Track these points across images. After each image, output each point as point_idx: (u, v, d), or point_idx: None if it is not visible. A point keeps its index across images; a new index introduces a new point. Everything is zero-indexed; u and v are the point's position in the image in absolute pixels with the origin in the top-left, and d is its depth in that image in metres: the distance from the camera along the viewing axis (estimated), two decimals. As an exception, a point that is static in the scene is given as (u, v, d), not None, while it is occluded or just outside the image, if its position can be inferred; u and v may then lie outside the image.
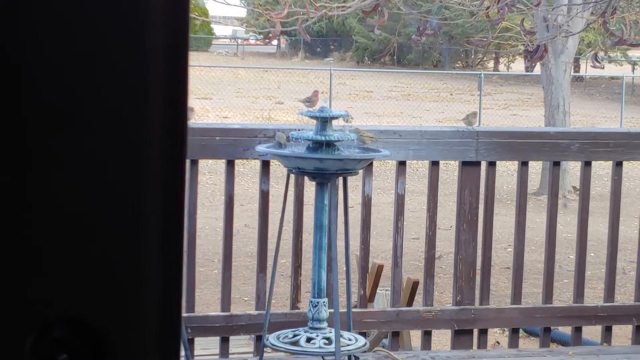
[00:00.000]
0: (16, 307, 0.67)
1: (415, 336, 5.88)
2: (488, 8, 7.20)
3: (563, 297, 7.81)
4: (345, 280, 4.57)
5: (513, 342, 5.02)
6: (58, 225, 0.68)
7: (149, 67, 0.69)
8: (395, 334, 4.98)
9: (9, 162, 0.67)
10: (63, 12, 0.67)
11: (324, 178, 4.27)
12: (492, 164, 4.93)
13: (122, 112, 0.68)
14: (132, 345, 0.71)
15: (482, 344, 4.97)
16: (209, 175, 14.30)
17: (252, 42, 50.30)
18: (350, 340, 4.32)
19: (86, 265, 0.68)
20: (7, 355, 0.68)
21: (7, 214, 0.67)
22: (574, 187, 14.01)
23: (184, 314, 4.48)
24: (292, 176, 4.49)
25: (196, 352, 4.94)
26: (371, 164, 4.66)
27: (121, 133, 0.68)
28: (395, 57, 41.14)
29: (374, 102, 27.20)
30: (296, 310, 4.76)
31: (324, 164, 4.21)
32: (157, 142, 0.69)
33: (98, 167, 0.68)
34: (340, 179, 4.39)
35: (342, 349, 4.21)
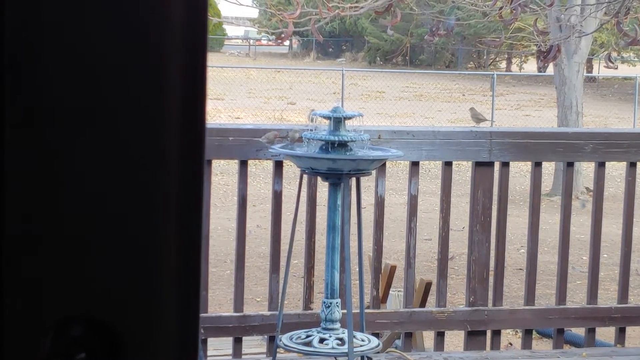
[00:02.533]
0: (35, 305, 0.67)
1: (428, 337, 5.87)
2: (501, 8, 7.19)
3: (576, 298, 7.79)
4: (358, 281, 4.56)
5: (526, 344, 5.01)
6: (77, 225, 0.68)
7: (167, 68, 0.69)
8: (408, 335, 4.98)
9: (32, 161, 0.67)
10: (82, 15, 0.67)
11: (337, 178, 4.27)
12: (505, 165, 4.92)
13: (140, 113, 0.68)
14: (149, 346, 0.70)
15: (495, 345, 4.95)
16: (221, 175, 14.33)
17: (264, 42, 50.37)
18: (363, 341, 4.31)
19: (104, 265, 0.68)
20: (26, 353, 0.68)
21: (26, 213, 0.67)
22: (587, 188, 13.98)
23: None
24: (305, 176, 4.48)
25: (209, 353, 4.94)
26: (384, 164, 4.65)
27: (140, 134, 0.68)
28: (407, 58, 41.12)
29: (386, 102, 27.18)
30: (309, 311, 4.75)
31: (337, 164, 4.21)
32: (176, 143, 0.69)
33: (116, 170, 0.68)
34: (353, 180, 4.39)
35: (355, 349, 4.20)
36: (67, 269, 0.68)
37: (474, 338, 4.92)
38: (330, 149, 4.30)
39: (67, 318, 0.68)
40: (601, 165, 5.02)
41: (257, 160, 4.94)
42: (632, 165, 5.04)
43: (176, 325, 0.71)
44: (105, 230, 0.68)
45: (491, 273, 4.94)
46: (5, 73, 0.66)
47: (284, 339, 4.30)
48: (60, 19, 0.66)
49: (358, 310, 4.48)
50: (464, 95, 30.65)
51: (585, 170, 14.46)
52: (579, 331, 5.59)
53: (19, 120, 0.66)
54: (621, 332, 5.11)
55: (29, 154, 0.66)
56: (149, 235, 0.69)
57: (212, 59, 36.62)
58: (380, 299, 5.09)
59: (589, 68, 35.01)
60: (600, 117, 26.15)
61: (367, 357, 4.41)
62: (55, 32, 0.66)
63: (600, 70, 36.09)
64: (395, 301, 6.10)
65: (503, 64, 44.43)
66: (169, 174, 0.69)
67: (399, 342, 5.30)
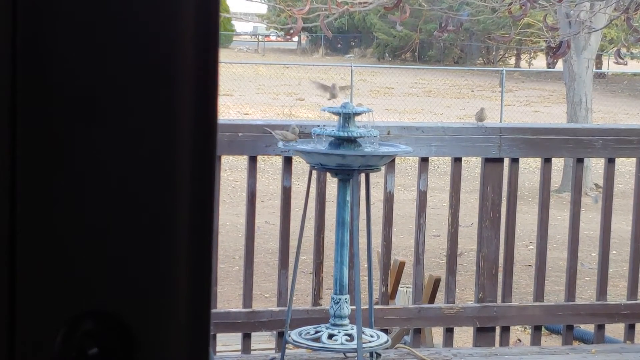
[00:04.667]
0: (49, 300, 0.68)
1: (437, 333, 5.87)
2: (510, 4, 7.19)
3: (585, 294, 7.78)
4: (366, 277, 4.56)
5: (535, 340, 5.00)
6: (90, 221, 0.68)
7: (180, 64, 0.69)
8: (417, 331, 4.98)
9: (46, 155, 0.67)
10: (96, 11, 0.67)
11: (346, 174, 4.26)
12: (515, 161, 4.91)
13: (153, 108, 0.68)
14: (161, 341, 0.70)
15: (504, 342, 4.95)
16: (230, 171, 14.34)
17: (273, 38, 50.33)
18: (372, 336, 4.32)
19: (117, 261, 0.68)
20: (40, 348, 0.68)
21: (41, 209, 0.67)
22: (595, 185, 13.96)
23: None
24: (315, 172, 4.48)
25: (218, 348, 4.95)
26: (393, 160, 4.65)
27: (153, 130, 0.68)
28: (416, 54, 41.09)
29: (394, 98, 27.16)
30: (318, 307, 4.75)
31: (347, 160, 4.21)
32: (188, 140, 0.69)
33: (130, 166, 0.68)
34: (363, 176, 4.38)
35: (364, 345, 4.20)
36: (80, 264, 0.68)
37: (482, 334, 4.92)
38: (339, 145, 4.30)
39: (80, 313, 0.68)
40: (611, 162, 5.01)
41: (266, 156, 4.95)
42: (642, 161, 5.03)
43: (188, 320, 0.71)
44: (118, 226, 0.68)
45: (500, 269, 4.94)
46: (18, 66, 0.66)
47: (293, 334, 4.31)
48: (74, 14, 0.66)
49: (367, 306, 4.48)
50: (472, 91, 30.61)
51: (594, 166, 14.44)
52: (588, 327, 5.58)
53: (34, 111, 0.66)
54: (630, 328, 5.10)
55: (44, 147, 0.67)
56: (161, 231, 0.69)
57: (221, 55, 36.49)
58: (389, 295, 5.09)
59: (599, 64, 34.92)
60: (610, 113, 26.09)
61: (376, 353, 4.41)
62: (69, 28, 0.66)
63: (609, 66, 36.00)
64: (404, 297, 6.10)
65: (512, 60, 44.33)
66: (181, 171, 0.69)
67: (407, 338, 5.30)
